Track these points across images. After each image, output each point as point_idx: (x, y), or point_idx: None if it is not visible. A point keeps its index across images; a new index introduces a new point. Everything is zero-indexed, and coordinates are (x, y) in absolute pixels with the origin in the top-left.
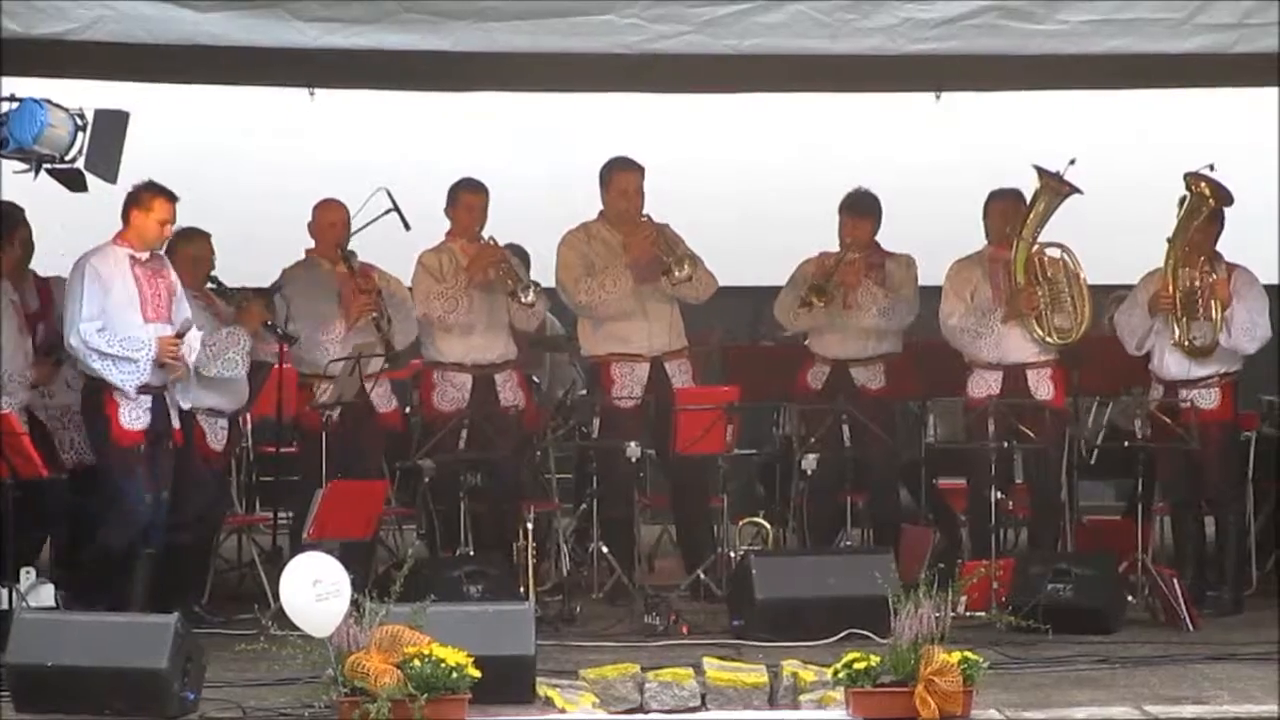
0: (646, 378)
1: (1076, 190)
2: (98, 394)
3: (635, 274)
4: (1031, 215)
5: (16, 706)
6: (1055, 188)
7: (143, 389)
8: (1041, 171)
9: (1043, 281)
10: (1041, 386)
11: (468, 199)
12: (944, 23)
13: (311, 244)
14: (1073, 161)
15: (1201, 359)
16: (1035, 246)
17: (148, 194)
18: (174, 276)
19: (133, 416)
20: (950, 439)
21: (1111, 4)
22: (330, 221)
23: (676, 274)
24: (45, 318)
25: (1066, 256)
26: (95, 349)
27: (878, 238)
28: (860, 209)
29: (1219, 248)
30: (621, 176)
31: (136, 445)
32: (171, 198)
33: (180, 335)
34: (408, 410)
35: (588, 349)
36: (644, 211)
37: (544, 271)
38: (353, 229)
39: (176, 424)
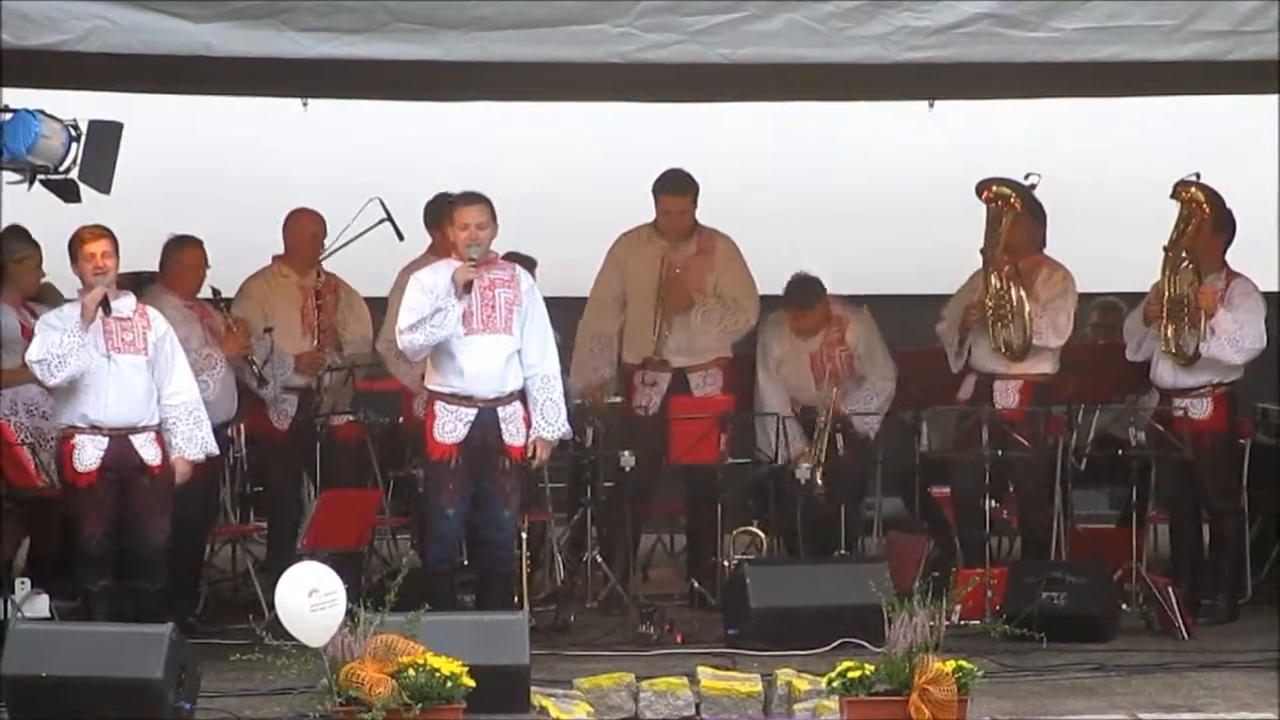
0: (667, 388)
1: (1008, 207)
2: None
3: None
4: (988, 230)
5: (12, 717)
6: (994, 207)
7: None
8: (980, 186)
9: (989, 296)
10: (1006, 396)
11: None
12: (938, 31)
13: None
14: (1028, 176)
15: (1188, 367)
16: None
17: (449, 206)
18: (525, 287)
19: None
20: (944, 448)
21: (1106, 11)
22: (305, 230)
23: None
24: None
25: (1019, 273)
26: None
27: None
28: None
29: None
30: (665, 199)
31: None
32: (471, 199)
33: None
34: (401, 420)
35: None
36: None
37: (544, 282)
38: (346, 239)
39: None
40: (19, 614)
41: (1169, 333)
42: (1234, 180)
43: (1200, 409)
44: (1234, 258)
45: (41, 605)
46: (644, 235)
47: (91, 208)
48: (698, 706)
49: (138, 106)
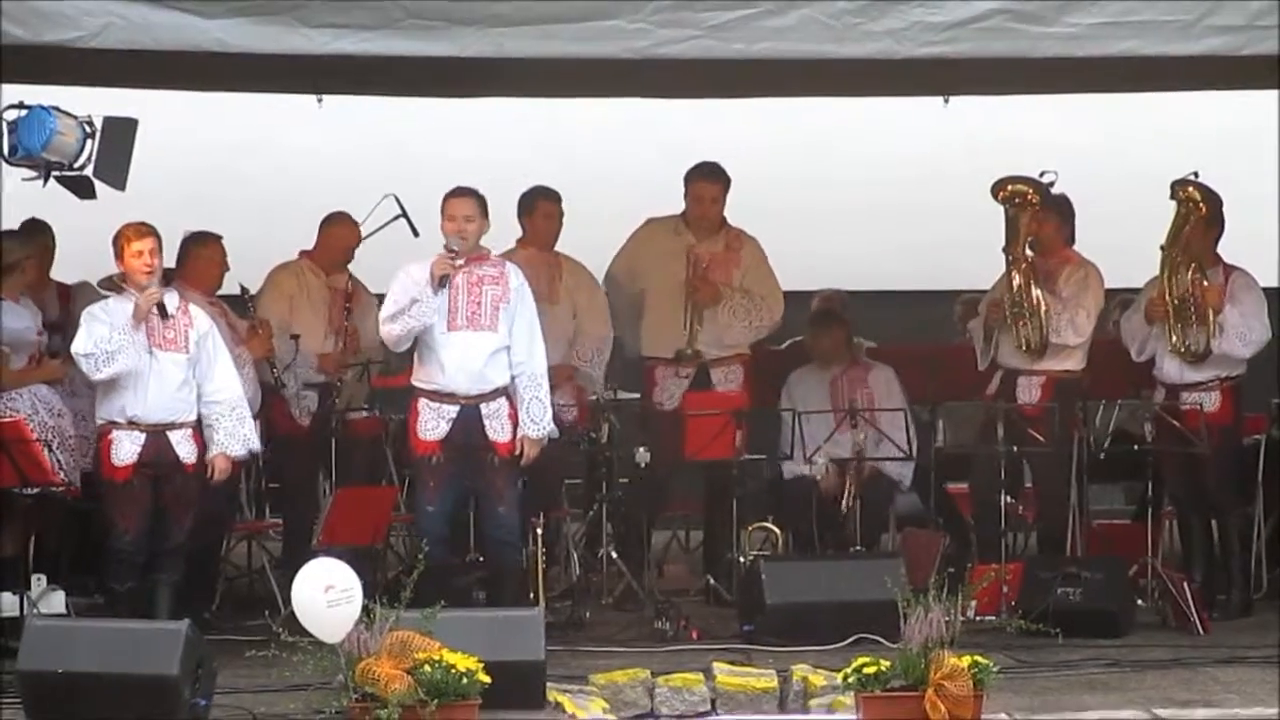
0: (688, 384)
1: (1025, 203)
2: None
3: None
4: (1008, 228)
5: (28, 713)
6: (1011, 206)
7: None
8: (995, 186)
9: (1009, 293)
10: (1029, 393)
11: (546, 207)
12: (952, 26)
13: (302, 244)
14: (1044, 174)
15: (1197, 364)
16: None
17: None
18: (514, 284)
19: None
20: (960, 443)
21: (1121, 6)
22: (343, 240)
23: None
24: (64, 325)
25: (1038, 270)
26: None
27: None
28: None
29: (1220, 250)
30: (698, 185)
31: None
32: (461, 192)
33: None
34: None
35: (636, 348)
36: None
37: None
38: (361, 235)
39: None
40: (35, 610)
41: (1177, 332)
42: (1247, 175)
43: (1209, 402)
44: (1239, 255)
45: (57, 601)
46: (671, 226)
47: (106, 204)
48: (713, 702)
49: (152, 103)
